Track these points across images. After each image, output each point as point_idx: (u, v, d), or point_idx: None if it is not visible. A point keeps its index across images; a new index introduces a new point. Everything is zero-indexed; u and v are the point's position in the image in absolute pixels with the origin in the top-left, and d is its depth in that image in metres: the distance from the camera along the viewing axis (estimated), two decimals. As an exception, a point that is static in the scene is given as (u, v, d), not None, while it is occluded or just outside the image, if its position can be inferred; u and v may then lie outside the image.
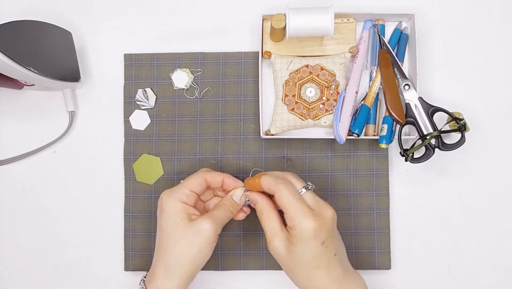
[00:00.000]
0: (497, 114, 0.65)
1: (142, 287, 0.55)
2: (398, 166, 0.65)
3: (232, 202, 0.57)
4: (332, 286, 0.53)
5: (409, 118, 0.61)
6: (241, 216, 0.59)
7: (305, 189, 0.54)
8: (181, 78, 0.65)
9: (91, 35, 0.67)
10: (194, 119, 0.65)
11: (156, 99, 0.65)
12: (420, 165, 0.64)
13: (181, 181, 0.57)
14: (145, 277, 0.56)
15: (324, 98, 0.62)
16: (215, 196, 0.60)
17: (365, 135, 0.63)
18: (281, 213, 0.55)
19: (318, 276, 0.52)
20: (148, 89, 0.65)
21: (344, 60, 0.62)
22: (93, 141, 0.66)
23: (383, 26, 0.64)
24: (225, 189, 0.58)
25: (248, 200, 0.57)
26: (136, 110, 0.65)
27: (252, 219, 0.64)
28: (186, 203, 0.55)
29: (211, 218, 0.54)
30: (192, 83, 0.65)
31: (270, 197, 0.56)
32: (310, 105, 0.62)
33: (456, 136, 0.59)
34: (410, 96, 0.61)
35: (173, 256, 0.54)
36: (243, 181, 0.58)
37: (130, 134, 0.65)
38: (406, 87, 0.62)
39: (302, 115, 0.62)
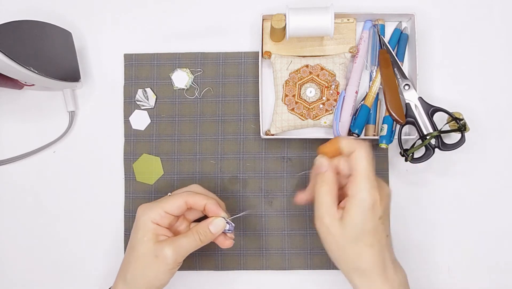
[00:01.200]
0: (497, 114, 0.65)
1: None
2: (398, 166, 0.65)
3: (206, 232, 0.54)
4: (379, 270, 0.50)
5: (409, 118, 0.61)
6: (227, 244, 0.56)
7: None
8: (181, 78, 0.65)
9: (91, 35, 0.67)
10: (194, 119, 0.65)
11: (156, 99, 0.65)
12: (420, 165, 0.64)
13: (168, 194, 0.56)
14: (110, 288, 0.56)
15: (324, 98, 0.62)
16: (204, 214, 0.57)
17: (365, 135, 0.63)
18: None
19: (370, 254, 0.50)
20: (148, 89, 0.65)
21: (344, 60, 0.62)
22: (93, 141, 0.66)
23: (383, 26, 0.64)
24: (207, 214, 0.55)
25: (229, 229, 0.54)
26: (136, 110, 0.65)
27: (252, 220, 0.64)
28: (157, 224, 0.53)
29: (174, 246, 0.52)
30: (192, 83, 0.65)
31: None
32: (310, 105, 0.62)
33: (456, 136, 0.59)
34: (410, 96, 0.61)
35: (131, 272, 0.53)
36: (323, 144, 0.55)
37: (130, 134, 0.65)
38: (406, 87, 0.62)
39: (302, 115, 0.62)
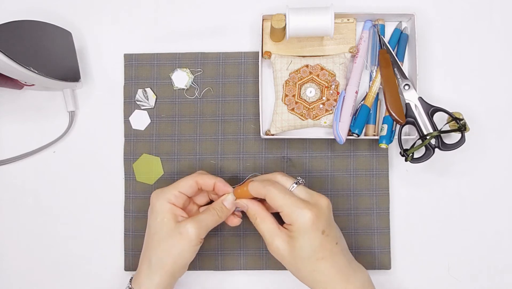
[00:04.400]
0: (497, 114, 0.65)
1: (129, 286, 0.56)
2: (398, 166, 0.65)
3: (222, 207, 0.57)
4: (338, 277, 0.53)
5: (409, 118, 0.61)
6: (236, 222, 0.59)
7: (296, 184, 0.55)
8: (181, 78, 0.65)
9: (91, 35, 0.67)
10: (194, 119, 0.65)
11: (156, 99, 0.65)
12: (420, 165, 0.64)
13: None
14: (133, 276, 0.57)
15: (324, 98, 0.62)
16: (210, 199, 0.61)
17: (365, 135, 0.63)
18: (275, 215, 0.55)
19: (323, 267, 0.53)
20: (148, 89, 0.65)
21: (344, 60, 0.62)
22: (93, 141, 0.66)
23: (383, 26, 0.64)
24: (216, 193, 0.58)
25: (237, 208, 0.58)
26: (136, 110, 0.65)
27: (252, 219, 0.64)
28: (174, 204, 0.56)
29: (195, 222, 0.55)
30: (192, 83, 0.65)
31: (262, 202, 0.56)
32: (310, 105, 0.62)
33: (456, 136, 0.59)
34: (410, 96, 0.61)
35: (156, 255, 0.55)
36: (239, 184, 0.58)
37: (130, 134, 0.65)
38: (406, 87, 0.62)
39: (302, 115, 0.62)
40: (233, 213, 0.58)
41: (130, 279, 0.57)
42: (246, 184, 0.56)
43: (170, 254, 0.54)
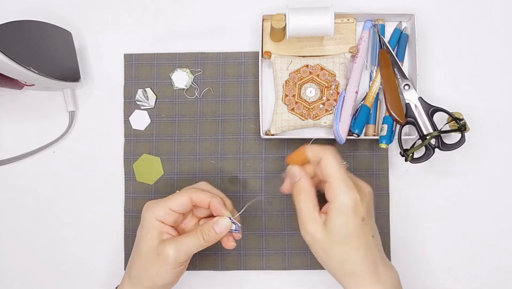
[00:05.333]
0: (497, 114, 0.65)
1: None
2: (398, 166, 0.65)
3: (210, 231, 0.52)
4: (369, 272, 0.50)
5: (409, 118, 0.61)
6: (230, 245, 0.55)
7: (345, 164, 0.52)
8: (181, 78, 0.65)
9: (91, 35, 0.67)
10: (194, 119, 0.65)
11: (156, 99, 0.65)
12: (420, 165, 0.64)
13: (177, 191, 0.56)
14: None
15: (324, 98, 0.62)
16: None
17: (365, 135, 0.63)
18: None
19: (357, 259, 0.49)
20: (148, 89, 0.65)
21: (344, 60, 0.62)
22: (93, 141, 0.66)
23: (383, 26, 0.64)
24: (212, 213, 0.54)
25: (235, 229, 0.53)
26: (136, 110, 0.65)
27: (252, 220, 0.64)
28: (162, 222, 0.53)
29: (176, 244, 0.51)
30: (192, 83, 0.65)
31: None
32: (310, 105, 0.62)
33: (456, 136, 0.59)
34: (410, 96, 0.61)
35: (135, 269, 0.53)
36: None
37: (130, 134, 0.65)
38: (406, 87, 0.62)
39: (302, 115, 0.62)
40: (231, 234, 0.54)
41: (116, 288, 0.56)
42: (302, 148, 0.52)
43: (147, 272, 0.52)
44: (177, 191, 0.56)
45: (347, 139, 0.61)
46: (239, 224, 0.54)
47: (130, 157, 0.65)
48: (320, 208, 0.52)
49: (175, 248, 0.51)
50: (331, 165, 0.50)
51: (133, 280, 0.53)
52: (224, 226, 0.52)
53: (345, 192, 0.49)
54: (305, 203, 0.51)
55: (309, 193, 0.52)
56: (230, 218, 0.53)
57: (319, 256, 0.52)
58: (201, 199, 0.53)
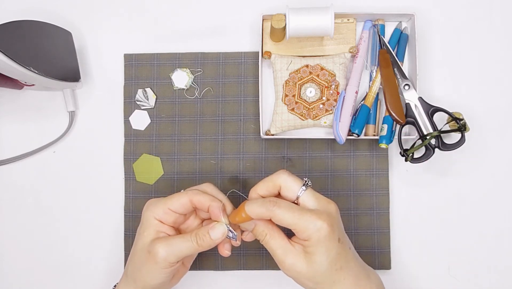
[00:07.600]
0: (497, 114, 0.65)
1: None
2: (398, 166, 0.65)
3: (205, 236, 0.51)
4: (356, 285, 0.50)
5: (409, 118, 0.61)
6: (225, 254, 0.54)
7: (305, 186, 0.50)
8: (181, 78, 0.65)
9: (91, 35, 0.67)
10: (194, 119, 0.65)
11: (156, 99, 0.65)
12: (420, 165, 0.64)
13: (181, 190, 0.55)
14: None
15: (324, 98, 0.62)
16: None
17: (365, 135, 0.63)
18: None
19: (343, 277, 0.50)
20: (148, 89, 0.65)
21: (344, 60, 0.62)
22: (93, 141, 0.66)
23: (383, 26, 0.64)
24: (211, 217, 0.53)
25: (232, 236, 0.52)
26: (136, 110, 0.65)
27: (252, 219, 0.64)
28: (160, 221, 0.52)
29: (166, 244, 0.50)
30: (192, 83, 0.65)
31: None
32: (310, 105, 0.62)
33: (456, 136, 0.59)
34: (410, 96, 0.61)
35: (130, 267, 0.53)
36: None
37: (130, 134, 0.65)
38: (406, 87, 0.62)
39: (302, 115, 0.62)
40: (228, 240, 0.53)
41: (114, 286, 0.56)
42: (242, 208, 0.49)
43: (140, 271, 0.51)
44: (182, 191, 0.55)
45: (347, 139, 0.61)
46: (235, 233, 0.52)
47: (130, 157, 0.65)
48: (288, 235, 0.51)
49: (165, 247, 0.50)
50: (285, 218, 0.48)
51: (129, 278, 0.53)
52: (219, 233, 0.51)
53: (314, 228, 0.48)
54: (273, 240, 0.50)
55: (272, 231, 0.51)
56: (227, 225, 0.51)
57: (306, 286, 0.51)
58: (201, 201, 0.52)
